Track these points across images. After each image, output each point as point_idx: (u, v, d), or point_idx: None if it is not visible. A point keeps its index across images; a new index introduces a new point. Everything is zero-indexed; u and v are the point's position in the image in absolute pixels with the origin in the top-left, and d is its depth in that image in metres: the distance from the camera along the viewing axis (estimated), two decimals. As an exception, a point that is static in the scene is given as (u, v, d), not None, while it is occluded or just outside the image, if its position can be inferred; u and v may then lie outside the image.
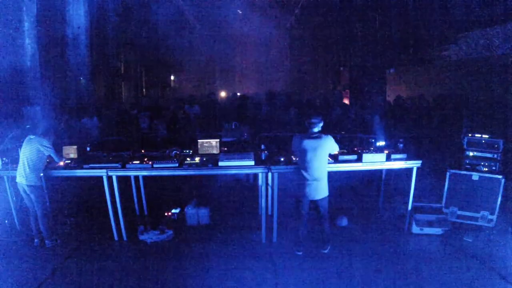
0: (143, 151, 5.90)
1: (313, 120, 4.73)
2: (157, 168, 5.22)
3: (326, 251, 4.91)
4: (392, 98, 10.42)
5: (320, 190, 4.76)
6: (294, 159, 5.16)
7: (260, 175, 5.28)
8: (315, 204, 4.86)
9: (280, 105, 10.06)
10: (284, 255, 4.87)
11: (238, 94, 13.61)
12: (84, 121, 8.74)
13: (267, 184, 5.24)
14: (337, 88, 15.51)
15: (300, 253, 4.87)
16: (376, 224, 5.74)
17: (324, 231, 4.98)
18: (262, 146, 5.59)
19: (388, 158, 5.28)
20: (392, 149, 5.57)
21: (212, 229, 5.72)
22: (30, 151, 5.00)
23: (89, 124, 8.66)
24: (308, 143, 4.69)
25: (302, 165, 4.75)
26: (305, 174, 4.72)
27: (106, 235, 5.39)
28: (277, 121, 8.77)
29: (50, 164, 5.31)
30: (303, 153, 4.72)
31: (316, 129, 4.74)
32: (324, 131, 4.85)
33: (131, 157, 5.55)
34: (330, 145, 4.75)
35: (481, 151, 5.82)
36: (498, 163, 5.70)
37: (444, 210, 5.63)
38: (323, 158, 4.73)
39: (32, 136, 5.13)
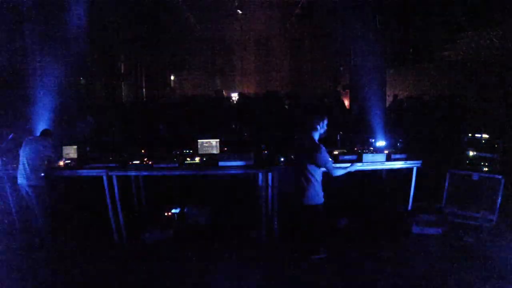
0: (143, 151, 5.90)
1: (310, 124, 4.56)
2: (157, 168, 5.21)
3: (309, 260, 4.64)
4: (392, 98, 10.41)
5: (309, 195, 4.49)
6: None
7: (260, 175, 5.27)
8: (305, 209, 4.59)
9: (283, 106, 10.05)
10: (285, 255, 4.86)
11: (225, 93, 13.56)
12: (83, 121, 8.72)
13: (267, 184, 5.24)
14: (337, 88, 15.51)
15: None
16: (376, 224, 5.74)
17: (313, 239, 4.73)
18: (262, 146, 5.59)
19: (388, 158, 5.28)
20: (392, 149, 5.56)
21: (212, 228, 5.71)
22: (29, 152, 5.00)
23: (88, 124, 8.65)
24: (300, 146, 4.63)
25: (295, 166, 4.73)
26: (295, 176, 4.62)
27: (106, 235, 5.38)
28: (279, 121, 8.74)
29: (50, 164, 5.30)
30: (296, 155, 4.74)
31: (313, 131, 4.54)
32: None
33: (131, 157, 5.55)
34: (313, 156, 4.42)
35: (481, 151, 5.81)
36: (498, 163, 5.69)
37: (444, 210, 5.63)
38: (309, 164, 4.47)
39: (31, 137, 5.14)
